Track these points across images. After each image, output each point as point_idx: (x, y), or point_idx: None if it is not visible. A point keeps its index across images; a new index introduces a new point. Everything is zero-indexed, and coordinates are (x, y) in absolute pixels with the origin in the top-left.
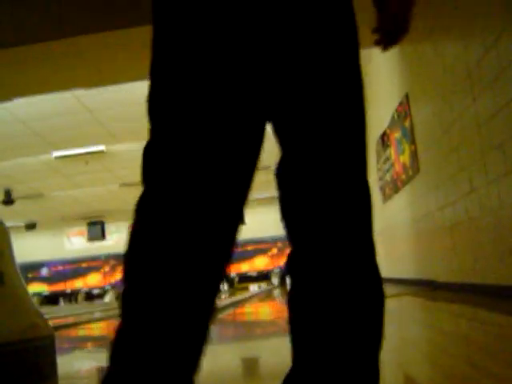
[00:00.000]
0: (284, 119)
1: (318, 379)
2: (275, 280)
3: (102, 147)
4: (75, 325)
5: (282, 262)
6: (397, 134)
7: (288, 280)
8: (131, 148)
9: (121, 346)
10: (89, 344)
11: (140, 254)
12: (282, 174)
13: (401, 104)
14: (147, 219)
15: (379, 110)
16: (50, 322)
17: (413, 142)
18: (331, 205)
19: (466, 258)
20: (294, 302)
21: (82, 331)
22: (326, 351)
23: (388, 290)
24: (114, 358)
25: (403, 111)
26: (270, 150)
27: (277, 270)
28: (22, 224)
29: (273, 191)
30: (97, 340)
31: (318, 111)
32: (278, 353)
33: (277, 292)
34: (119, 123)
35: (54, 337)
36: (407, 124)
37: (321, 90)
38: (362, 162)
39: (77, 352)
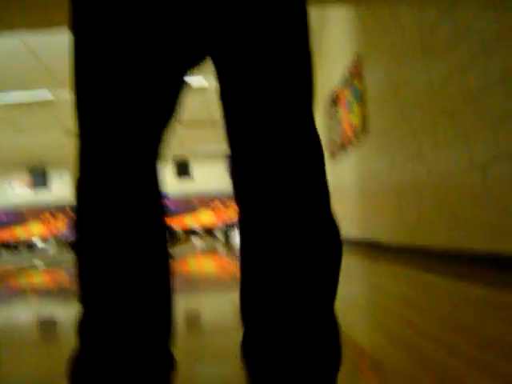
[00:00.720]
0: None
1: (276, 336)
2: (219, 234)
3: (47, 94)
4: (15, 274)
5: (227, 216)
6: (347, 94)
7: (232, 235)
8: None
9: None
10: (29, 293)
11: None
12: (229, 129)
13: (353, 64)
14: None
15: (331, 69)
16: None
17: (363, 103)
18: (281, 153)
19: (410, 220)
20: (246, 259)
21: (22, 280)
22: (281, 306)
23: None
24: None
25: (355, 71)
26: (217, 104)
27: (221, 225)
28: None
29: (219, 146)
30: (37, 290)
31: (260, 55)
32: (218, 307)
33: (220, 246)
34: (66, 69)
35: None
36: (358, 84)
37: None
38: (308, 106)
39: (16, 301)
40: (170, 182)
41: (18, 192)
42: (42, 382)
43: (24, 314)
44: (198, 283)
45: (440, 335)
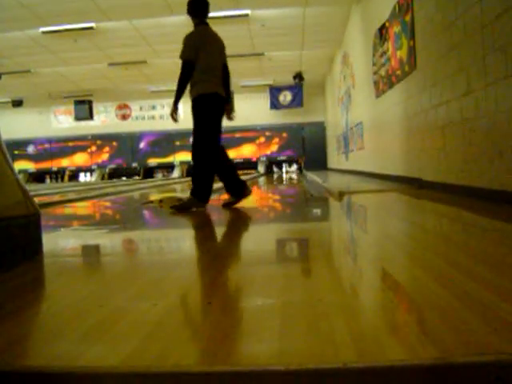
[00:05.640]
0: None
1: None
2: (261, 168)
3: (91, 24)
4: (61, 203)
5: (269, 150)
6: (396, 28)
7: (275, 168)
8: (121, 27)
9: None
10: (74, 222)
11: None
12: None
13: None
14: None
15: (380, 1)
16: (36, 200)
17: (412, 37)
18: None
19: (455, 158)
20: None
21: (67, 209)
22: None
23: (374, 185)
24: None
25: (405, 4)
26: (263, 37)
27: (263, 159)
28: (9, 100)
29: (264, 79)
30: (82, 219)
31: None
32: (259, 239)
33: (262, 180)
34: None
35: (40, 214)
36: (408, 18)
37: None
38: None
39: (62, 230)
40: None
41: (62, 122)
42: (90, 306)
43: (70, 242)
44: (239, 214)
45: (479, 272)
